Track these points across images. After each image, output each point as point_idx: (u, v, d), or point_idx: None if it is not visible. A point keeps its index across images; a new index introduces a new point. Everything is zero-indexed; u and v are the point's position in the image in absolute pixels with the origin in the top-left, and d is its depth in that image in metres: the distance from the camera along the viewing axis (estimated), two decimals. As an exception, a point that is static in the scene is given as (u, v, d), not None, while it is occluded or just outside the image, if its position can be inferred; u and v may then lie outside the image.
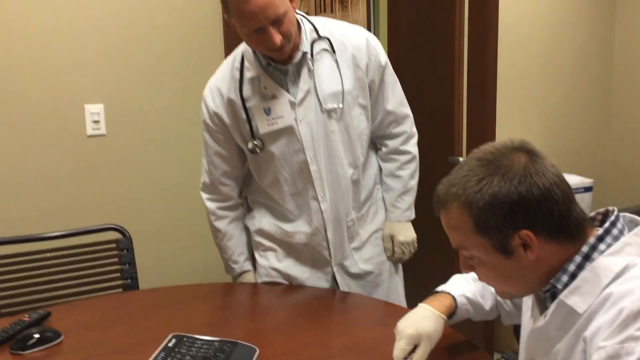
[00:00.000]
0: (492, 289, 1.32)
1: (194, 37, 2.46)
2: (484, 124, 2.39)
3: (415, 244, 1.88)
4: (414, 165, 1.86)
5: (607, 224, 0.99)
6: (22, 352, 1.42)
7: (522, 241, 0.97)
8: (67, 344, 1.46)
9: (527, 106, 3.67)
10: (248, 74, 1.69)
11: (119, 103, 2.36)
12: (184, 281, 2.45)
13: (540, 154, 0.99)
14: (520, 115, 3.58)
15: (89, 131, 2.32)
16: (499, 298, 1.34)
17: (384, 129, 1.82)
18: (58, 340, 1.47)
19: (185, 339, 1.40)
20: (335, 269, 1.81)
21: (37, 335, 1.45)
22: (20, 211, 2.23)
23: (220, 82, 1.75)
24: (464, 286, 1.34)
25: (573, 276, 0.98)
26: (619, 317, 0.88)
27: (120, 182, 2.39)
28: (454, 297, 1.31)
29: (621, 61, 4.15)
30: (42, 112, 2.23)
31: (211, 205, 1.86)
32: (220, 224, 1.87)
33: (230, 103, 1.71)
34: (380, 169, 1.89)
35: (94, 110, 2.32)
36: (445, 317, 1.27)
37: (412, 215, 1.88)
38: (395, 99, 1.80)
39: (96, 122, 2.33)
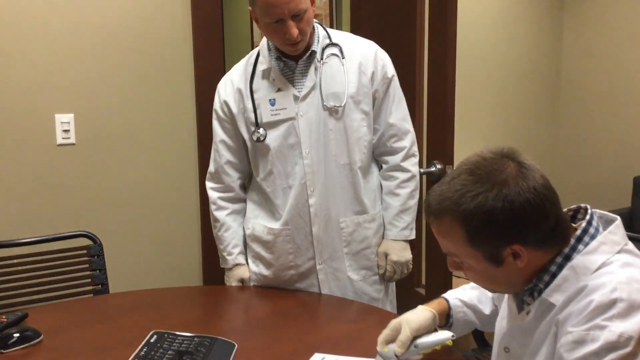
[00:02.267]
0: (491, 295, 1.38)
1: (164, 48, 2.53)
2: (443, 140, 2.51)
3: (410, 265, 1.90)
4: (414, 185, 1.89)
5: (584, 224, 1.07)
6: (2, 351, 1.45)
7: (512, 251, 1.04)
8: (48, 343, 1.50)
9: (483, 122, 3.89)
10: (260, 67, 1.81)
11: (89, 113, 2.40)
12: (155, 287, 2.49)
13: (527, 164, 1.05)
14: (475, 133, 3.79)
15: (59, 140, 2.35)
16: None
17: (384, 142, 1.88)
18: (38, 339, 1.50)
19: (166, 335, 1.45)
20: (319, 267, 1.85)
21: (17, 335, 1.48)
22: (-11, 218, 2.24)
23: (233, 74, 1.88)
24: (458, 292, 1.40)
25: (554, 275, 1.06)
26: (588, 307, 0.97)
27: (90, 190, 2.43)
28: (446, 299, 1.37)
29: (567, 84, 4.43)
30: (13, 121, 2.25)
31: (213, 194, 1.95)
32: (220, 214, 1.94)
33: (239, 92, 1.84)
34: (382, 189, 1.92)
35: (65, 119, 2.36)
36: (434, 311, 1.29)
37: (411, 236, 1.90)
38: (399, 113, 1.87)
39: (66, 131, 2.37)
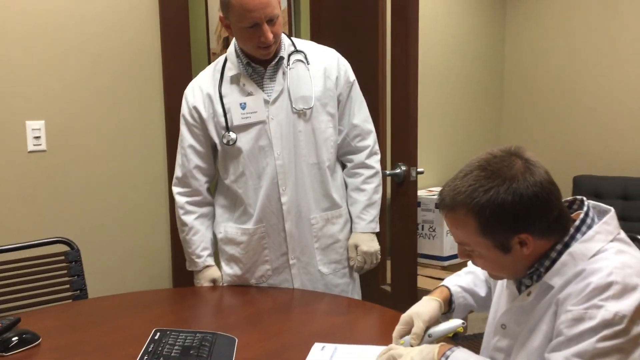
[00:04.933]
0: (483, 278, 1.49)
1: (133, 55, 2.56)
2: (406, 142, 2.63)
3: (379, 255, 2.02)
4: (378, 180, 2.03)
5: (582, 215, 1.19)
6: (4, 354, 1.46)
7: (519, 240, 1.15)
8: (48, 345, 1.52)
9: (434, 126, 4.06)
10: (229, 73, 1.89)
11: (60, 119, 2.40)
12: (126, 291, 2.50)
13: (533, 160, 1.15)
14: (428, 135, 3.96)
15: (30, 147, 2.35)
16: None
17: (349, 142, 2.00)
18: (37, 342, 1.52)
19: (168, 332, 1.50)
20: (292, 262, 1.95)
21: (16, 338, 1.50)
22: (-41, 226, 2.21)
23: (201, 80, 1.95)
24: (456, 279, 1.50)
25: (554, 261, 1.17)
26: (587, 289, 1.09)
27: (62, 196, 2.43)
28: (447, 287, 1.47)
29: (509, 87, 4.68)
30: (-18, 128, 2.24)
31: (181, 199, 1.99)
32: (188, 218, 1.99)
33: (208, 97, 1.90)
34: (347, 187, 2.04)
35: (35, 126, 2.35)
36: (439, 299, 1.40)
37: (377, 228, 2.02)
38: (361, 114, 2.01)
39: (37, 137, 2.36)
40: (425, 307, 1.37)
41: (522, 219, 1.12)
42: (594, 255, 1.14)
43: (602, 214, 1.22)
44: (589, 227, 1.18)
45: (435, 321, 1.36)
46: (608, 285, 1.08)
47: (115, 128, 2.55)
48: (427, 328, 1.32)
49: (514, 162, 1.15)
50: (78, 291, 2.13)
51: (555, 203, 1.15)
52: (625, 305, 1.06)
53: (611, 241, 1.16)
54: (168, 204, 2.71)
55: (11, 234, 2.30)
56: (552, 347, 1.12)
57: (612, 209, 1.21)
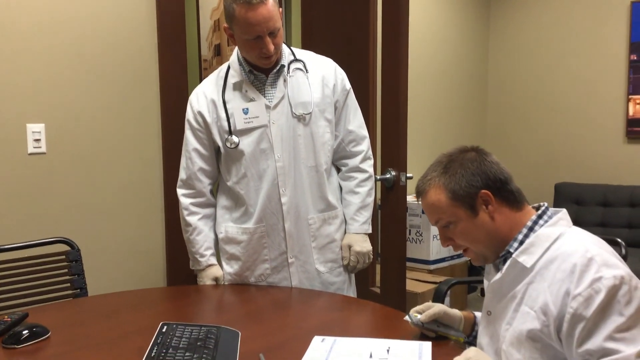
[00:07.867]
0: None
1: (132, 61, 2.63)
2: (397, 149, 2.72)
3: (370, 255, 2.11)
4: (371, 184, 2.13)
5: (543, 208, 1.36)
6: (16, 346, 1.52)
7: (483, 201, 1.32)
8: (57, 338, 1.58)
9: (421, 133, 4.16)
10: (232, 80, 1.98)
11: (60, 123, 2.46)
12: (122, 289, 2.56)
13: (489, 153, 1.39)
14: (417, 142, 4.05)
15: (30, 149, 2.40)
16: None
17: (344, 147, 2.10)
18: (47, 335, 1.58)
19: (175, 326, 1.57)
20: (290, 261, 2.03)
21: (26, 331, 1.55)
22: (-39, 226, 2.25)
23: (205, 87, 2.04)
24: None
25: (521, 242, 1.32)
26: (576, 269, 1.20)
27: (61, 198, 2.48)
28: (474, 313, 1.57)
29: (493, 96, 4.81)
30: (-16, 130, 2.29)
31: (185, 200, 2.07)
32: (192, 219, 2.06)
33: (212, 103, 1.99)
34: (341, 189, 2.13)
35: (36, 129, 2.41)
36: (462, 315, 1.53)
37: (369, 230, 2.12)
38: (356, 120, 2.11)
39: (37, 140, 2.41)
40: (450, 309, 1.52)
41: (478, 176, 1.33)
42: (558, 237, 1.29)
43: (557, 212, 1.37)
44: (550, 217, 1.34)
45: (451, 322, 1.52)
46: (590, 260, 1.20)
47: (113, 132, 2.61)
48: (441, 324, 1.50)
49: (469, 152, 1.38)
50: (79, 290, 2.18)
51: (505, 172, 1.36)
52: (614, 269, 1.18)
53: (569, 228, 1.32)
54: (163, 206, 2.77)
55: (12, 234, 2.34)
56: (582, 337, 1.16)
57: (565, 209, 1.38)
